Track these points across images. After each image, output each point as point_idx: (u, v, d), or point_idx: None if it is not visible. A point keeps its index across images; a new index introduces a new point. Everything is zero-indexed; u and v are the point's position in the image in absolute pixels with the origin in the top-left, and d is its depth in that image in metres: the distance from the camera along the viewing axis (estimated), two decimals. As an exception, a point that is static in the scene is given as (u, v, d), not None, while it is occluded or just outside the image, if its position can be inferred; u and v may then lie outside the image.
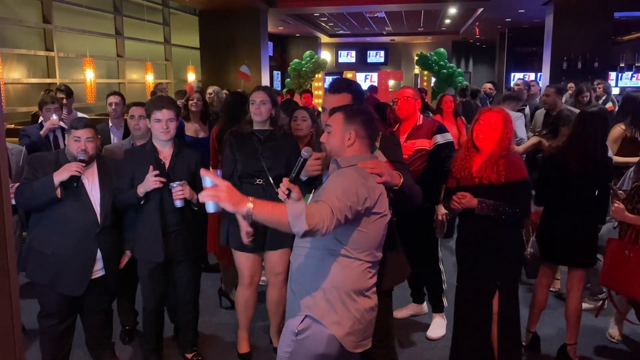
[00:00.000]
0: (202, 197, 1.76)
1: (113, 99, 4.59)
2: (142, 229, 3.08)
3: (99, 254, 3.00)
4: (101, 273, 3.04)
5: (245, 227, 3.05)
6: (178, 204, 2.98)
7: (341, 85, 2.51)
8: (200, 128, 4.79)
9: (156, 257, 3.08)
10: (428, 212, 3.57)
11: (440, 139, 3.62)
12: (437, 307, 3.86)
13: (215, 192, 1.75)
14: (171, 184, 2.96)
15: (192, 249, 3.22)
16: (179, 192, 2.94)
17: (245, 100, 3.54)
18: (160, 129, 3.04)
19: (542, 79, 13.51)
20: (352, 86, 2.50)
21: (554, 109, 5.19)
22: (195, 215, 3.19)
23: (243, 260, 3.29)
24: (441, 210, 3.58)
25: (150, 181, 2.94)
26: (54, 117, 4.26)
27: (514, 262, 2.95)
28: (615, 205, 2.88)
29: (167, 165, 3.09)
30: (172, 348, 3.55)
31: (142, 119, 3.44)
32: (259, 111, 3.22)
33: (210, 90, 6.53)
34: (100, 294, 3.11)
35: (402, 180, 2.17)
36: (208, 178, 1.81)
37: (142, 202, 3.02)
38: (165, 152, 3.12)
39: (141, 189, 2.97)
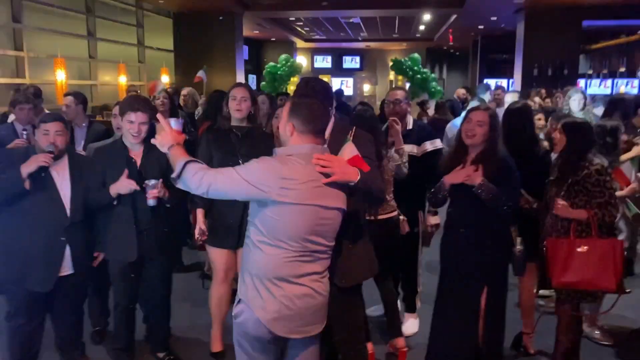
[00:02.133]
0: (152, 140, 2.24)
1: (66, 99, 4.50)
2: (115, 227, 3.04)
3: (67, 250, 2.95)
4: (70, 270, 2.98)
5: (199, 224, 3.08)
6: (151, 202, 2.95)
7: (306, 88, 2.49)
8: None
9: (129, 256, 3.03)
10: (412, 217, 3.56)
11: (429, 145, 3.60)
12: (410, 308, 3.88)
13: (157, 135, 2.22)
14: (146, 181, 2.92)
15: (164, 247, 3.18)
16: (154, 192, 2.91)
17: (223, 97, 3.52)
18: (132, 131, 3.01)
19: (513, 85, 13.78)
20: (316, 88, 2.47)
21: None
22: (169, 213, 3.16)
23: (217, 256, 3.27)
24: (430, 221, 3.56)
25: (125, 185, 2.91)
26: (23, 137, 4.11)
27: (502, 258, 2.95)
28: (559, 203, 2.89)
29: (138, 163, 3.06)
30: (144, 348, 3.49)
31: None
32: (239, 107, 3.21)
33: (184, 92, 6.49)
34: (71, 293, 3.05)
35: (358, 177, 2.15)
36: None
37: (114, 203, 2.97)
38: (136, 151, 3.09)
39: (114, 191, 2.93)
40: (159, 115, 2.26)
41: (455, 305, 2.99)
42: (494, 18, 14.05)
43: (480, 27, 15.97)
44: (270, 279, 2.06)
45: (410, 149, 3.53)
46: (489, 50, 18.13)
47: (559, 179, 3.00)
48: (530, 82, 12.22)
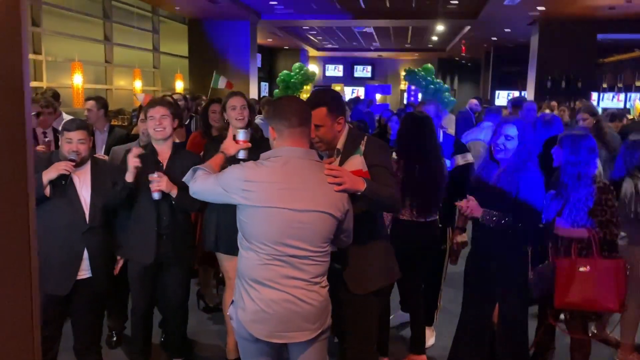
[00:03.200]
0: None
1: (88, 104, 4.54)
2: (135, 229, 3.06)
3: (85, 254, 2.97)
4: (88, 274, 3.00)
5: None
6: (155, 196, 2.94)
7: (316, 99, 2.46)
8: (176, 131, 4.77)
9: (147, 259, 3.05)
10: (441, 233, 3.53)
11: (460, 160, 3.59)
12: (428, 321, 3.86)
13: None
14: (150, 175, 2.93)
15: (182, 253, 3.19)
16: (155, 184, 2.92)
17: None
18: (154, 126, 3.04)
19: (526, 97, 13.75)
20: (326, 98, 2.44)
21: None
22: (187, 219, 3.18)
23: (229, 264, 3.25)
24: (457, 238, 3.45)
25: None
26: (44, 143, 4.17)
27: (516, 276, 2.90)
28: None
29: (164, 166, 3.09)
30: (160, 353, 3.49)
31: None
32: (242, 115, 3.25)
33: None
34: (89, 296, 3.06)
35: (364, 186, 2.13)
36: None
37: (131, 189, 2.95)
38: (164, 154, 3.12)
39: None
40: (231, 128, 2.56)
41: (471, 317, 3.00)
42: (508, 30, 14.06)
43: (494, 38, 15.98)
44: (247, 281, 2.08)
45: None
46: (502, 62, 18.14)
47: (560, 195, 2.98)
48: (543, 95, 12.18)
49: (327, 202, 2.06)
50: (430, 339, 3.80)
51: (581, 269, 2.80)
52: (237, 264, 2.18)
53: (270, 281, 2.04)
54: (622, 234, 3.50)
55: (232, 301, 2.18)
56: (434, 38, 17.93)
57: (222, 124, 3.32)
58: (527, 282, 2.90)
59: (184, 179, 2.30)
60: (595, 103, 13.59)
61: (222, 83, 10.09)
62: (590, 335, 3.71)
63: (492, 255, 2.89)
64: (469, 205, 2.83)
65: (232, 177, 2.09)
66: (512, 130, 2.84)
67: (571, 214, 2.90)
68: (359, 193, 2.14)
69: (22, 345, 0.94)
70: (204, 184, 2.19)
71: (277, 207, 2.01)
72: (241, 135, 2.56)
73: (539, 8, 11.01)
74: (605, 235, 2.83)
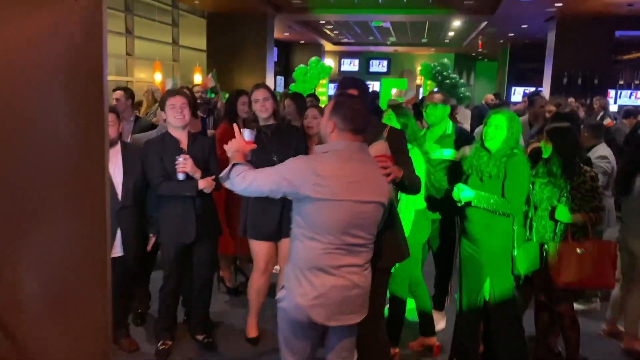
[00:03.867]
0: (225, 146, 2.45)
1: (117, 94, 4.74)
2: (172, 211, 3.26)
3: (118, 233, 3.18)
4: (120, 253, 3.21)
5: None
6: (180, 177, 3.19)
7: (348, 83, 2.75)
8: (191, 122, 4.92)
9: (187, 238, 3.26)
10: (451, 220, 3.70)
11: (468, 151, 3.70)
12: (439, 305, 4.02)
13: (230, 142, 2.44)
14: (177, 157, 3.15)
15: (212, 233, 3.40)
16: (182, 164, 3.14)
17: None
18: (175, 115, 3.24)
19: (542, 93, 13.74)
20: (358, 82, 2.73)
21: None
22: (213, 202, 3.43)
23: (260, 249, 3.45)
24: None
25: (209, 184, 3.23)
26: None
27: (502, 253, 3.05)
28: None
29: (185, 150, 3.29)
30: (183, 330, 3.69)
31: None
32: (264, 107, 3.40)
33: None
34: (119, 274, 3.25)
35: (402, 173, 2.37)
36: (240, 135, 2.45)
37: (188, 194, 3.22)
38: (183, 141, 3.32)
39: (202, 185, 3.20)
40: (235, 126, 2.56)
41: (466, 300, 3.18)
42: (525, 26, 14.05)
43: (511, 34, 15.96)
44: (309, 269, 2.19)
45: (448, 153, 3.65)
46: (519, 58, 18.09)
47: (551, 183, 3.14)
48: (559, 91, 12.18)
49: (381, 192, 2.27)
50: (440, 323, 3.93)
51: (579, 251, 3.02)
52: (290, 251, 2.28)
53: (332, 268, 2.19)
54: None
55: (283, 286, 2.28)
56: (451, 34, 17.93)
57: (250, 116, 3.47)
58: (512, 259, 3.07)
59: (220, 176, 2.35)
60: (612, 100, 13.55)
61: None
62: (601, 332, 3.88)
63: (479, 235, 3.05)
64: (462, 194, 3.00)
65: (301, 171, 2.16)
66: (500, 120, 3.00)
67: (567, 201, 3.09)
68: (397, 181, 2.36)
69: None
70: (269, 181, 2.21)
71: (346, 200, 2.16)
72: (246, 135, 2.58)
73: (556, 4, 11.01)
74: (596, 220, 3.08)
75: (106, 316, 1.08)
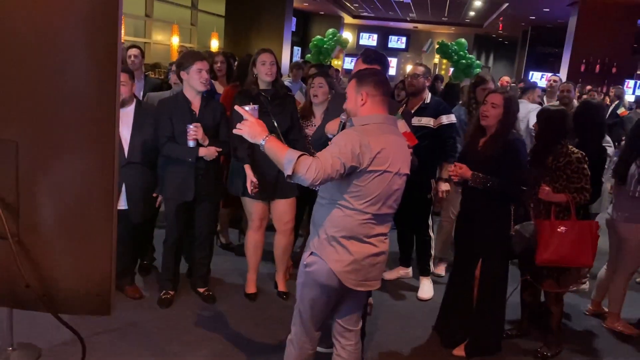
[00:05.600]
0: (235, 130, 2.22)
1: (133, 51, 4.87)
2: (176, 170, 3.42)
3: (123, 187, 3.35)
4: (124, 206, 3.39)
5: (250, 177, 3.40)
6: (190, 144, 3.32)
7: (374, 57, 2.85)
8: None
9: (186, 196, 3.43)
10: (424, 184, 3.90)
11: (445, 119, 3.89)
12: (424, 271, 4.18)
13: (241, 125, 2.20)
14: (188, 125, 3.28)
15: (213, 191, 3.56)
16: (193, 132, 3.28)
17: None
18: (201, 79, 3.35)
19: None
20: (383, 59, 2.85)
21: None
22: (217, 163, 3.55)
23: (254, 208, 3.61)
24: (441, 187, 3.88)
25: (212, 152, 3.34)
26: None
27: (497, 235, 3.17)
28: (545, 188, 3.17)
29: (197, 114, 3.42)
30: (185, 284, 3.88)
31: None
32: (270, 71, 3.50)
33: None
34: (124, 227, 3.41)
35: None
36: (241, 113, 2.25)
37: (190, 160, 3.35)
38: (195, 103, 3.44)
39: (202, 153, 3.33)
40: (237, 107, 2.31)
41: (457, 275, 3.32)
42: (547, 10, 13.89)
43: (532, 17, 15.78)
44: (345, 236, 2.27)
45: (427, 121, 3.86)
46: (539, 42, 17.90)
47: (535, 163, 3.25)
48: (575, 78, 12.09)
49: (408, 165, 2.40)
50: (429, 290, 4.09)
51: (559, 230, 3.11)
52: (321, 218, 2.34)
53: (365, 237, 2.31)
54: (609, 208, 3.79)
55: (312, 252, 2.34)
56: (472, 13, 17.74)
57: (251, 79, 3.57)
58: (509, 238, 3.20)
59: (287, 174, 2.12)
60: (630, 90, 13.42)
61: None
62: (586, 311, 4.02)
63: (476, 214, 3.17)
64: (459, 171, 3.09)
65: (357, 145, 2.16)
66: (497, 99, 3.08)
67: (552, 180, 3.19)
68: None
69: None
70: (334, 167, 2.12)
71: (390, 172, 2.27)
72: (254, 112, 2.30)
73: (580, -11, 10.89)
74: (580, 200, 3.16)
75: (110, 244, 1.23)
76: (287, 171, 2.11)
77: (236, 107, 2.32)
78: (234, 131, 2.26)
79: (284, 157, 2.12)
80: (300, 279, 2.43)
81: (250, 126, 2.19)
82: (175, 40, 11.36)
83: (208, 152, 3.37)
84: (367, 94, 2.31)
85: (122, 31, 7.31)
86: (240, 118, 2.26)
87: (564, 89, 5.69)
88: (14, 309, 1.52)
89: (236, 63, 5.00)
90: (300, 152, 2.14)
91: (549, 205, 3.21)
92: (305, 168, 2.08)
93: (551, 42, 16.60)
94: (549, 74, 14.73)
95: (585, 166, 3.18)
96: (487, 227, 3.14)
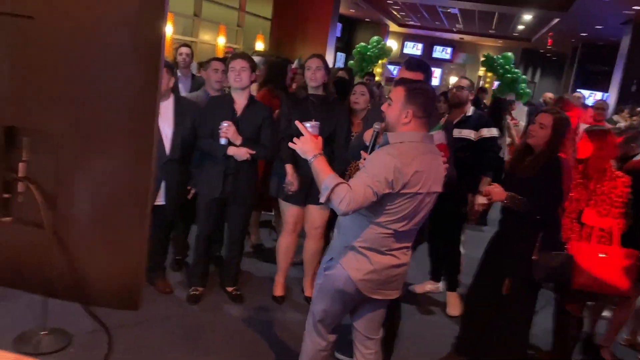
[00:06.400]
0: (291, 143, 2.29)
1: (184, 50, 4.98)
2: (207, 166, 3.49)
3: (163, 184, 3.41)
4: (162, 202, 3.45)
5: (289, 176, 3.46)
6: (222, 141, 3.36)
7: (417, 64, 2.82)
8: None
9: (214, 193, 3.48)
10: (460, 197, 3.83)
11: (486, 132, 3.87)
12: (452, 286, 4.11)
13: (297, 140, 2.26)
14: (222, 123, 3.32)
15: (245, 193, 3.57)
16: (224, 130, 3.32)
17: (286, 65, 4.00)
18: (233, 77, 3.41)
19: (609, 99, 13.24)
20: (426, 68, 2.81)
21: None
22: (252, 165, 3.56)
23: (289, 210, 3.64)
24: (478, 200, 3.79)
25: (242, 153, 3.36)
26: None
27: (523, 259, 3.02)
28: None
29: (238, 113, 3.46)
30: (214, 281, 3.92)
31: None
32: (314, 77, 3.53)
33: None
34: (158, 221, 3.49)
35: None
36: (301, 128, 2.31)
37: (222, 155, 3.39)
38: (240, 103, 3.48)
39: (231, 152, 3.36)
40: (297, 123, 2.34)
41: (483, 295, 3.22)
42: (599, 27, 13.52)
43: (583, 34, 15.38)
44: (367, 248, 2.28)
45: (467, 133, 3.84)
46: (588, 60, 17.43)
47: (581, 185, 3.13)
48: (626, 98, 11.72)
49: (441, 182, 2.36)
50: (457, 307, 3.99)
51: (600, 255, 2.99)
52: (345, 227, 2.35)
53: (389, 250, 2.31)
54: None
55: (332, 258, 2.36)
56: (521, 27, 17.42)
57: (301, 83, 3.62)
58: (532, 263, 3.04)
59: (322, 199, 2.14)
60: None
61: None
62: (622, 342, 3.87)
63: (509, 232, 3.09)
64: (493, 190, 3.00)
65: (389, 171, 2.13)
66: (546, 120, 2.95)
67: (596, 204, 3.07)
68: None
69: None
70: (360, 196, 2.10)
71: (421, 193, 2.25)
72: (312, 129, 2.36)
73: (635, 7, 10.55)
74: (623, 227, 3.04)
75: (144, 240, 1.25)
76: (323, 198, 2.13)
77: (297, 123, 2.34)
78: (290, 144, 2.30)
79: (324, 181, 2.14)
80: (319, 281, 2.46)
81: (304, 142, 2.23)
82: (221, 41, 11.52)
83: (238, 151, 3.38)
84: (413, 114, 2.25)
85: (171, 29, 7.46)
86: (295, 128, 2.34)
87: (599, 106, 5.61)
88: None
89: (263, 66, 4.97)
90: (339, 181, 2.14)
91: (591, 229, 3.09)
92: (339, 199, 2.09)
93: (601, 60, 16.14)
94: (594, 93, 14.36)
95: (628, 190, 3.06)
96: (517, 251, 3.04)
